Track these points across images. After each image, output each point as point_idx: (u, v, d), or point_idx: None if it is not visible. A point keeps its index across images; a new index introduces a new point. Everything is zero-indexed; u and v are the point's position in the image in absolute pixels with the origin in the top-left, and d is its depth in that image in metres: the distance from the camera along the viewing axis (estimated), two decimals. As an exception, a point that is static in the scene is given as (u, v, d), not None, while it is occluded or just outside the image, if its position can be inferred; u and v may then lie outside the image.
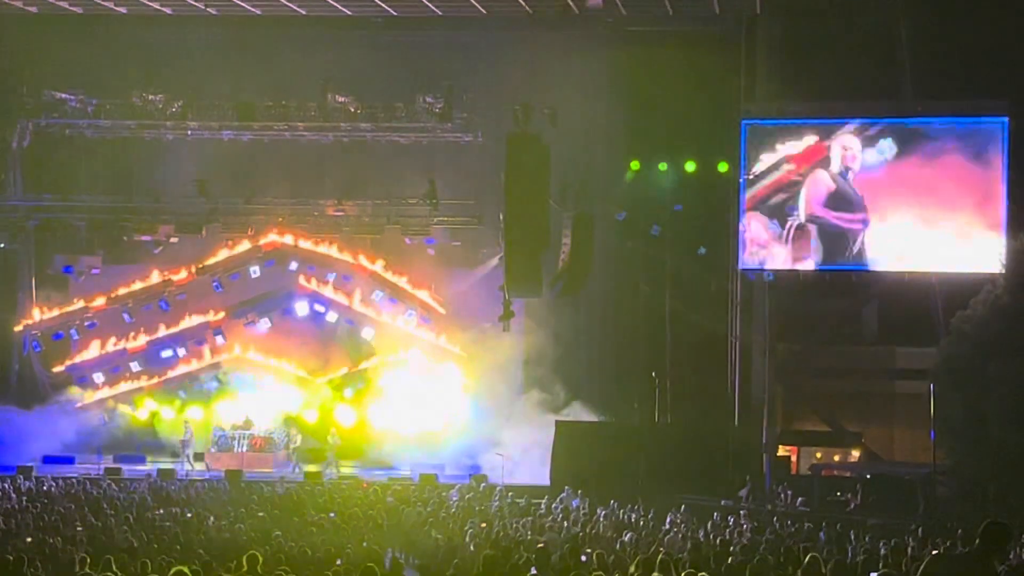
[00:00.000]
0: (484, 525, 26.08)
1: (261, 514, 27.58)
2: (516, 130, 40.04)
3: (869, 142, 38.86)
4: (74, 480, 35.56)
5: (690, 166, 40.99)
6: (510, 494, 34.28)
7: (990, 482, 32.86)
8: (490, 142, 41.92)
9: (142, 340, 44.13)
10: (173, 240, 44.31)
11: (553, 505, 32.10)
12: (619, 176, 42.33)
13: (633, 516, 29.69)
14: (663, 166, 41.36)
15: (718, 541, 24.24)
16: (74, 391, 43.84)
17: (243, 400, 43.32)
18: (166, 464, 41.18)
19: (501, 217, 40.92)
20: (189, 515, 27.13)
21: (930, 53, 38.41)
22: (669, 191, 41.46)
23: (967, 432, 33.41)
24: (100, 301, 44.42)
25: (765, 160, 39.35)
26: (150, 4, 41.48)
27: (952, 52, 37.64)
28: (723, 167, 40.13)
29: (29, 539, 23.04)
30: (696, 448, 38.72)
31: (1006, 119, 37.76)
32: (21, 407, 43.03)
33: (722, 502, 34.63)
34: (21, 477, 36.78)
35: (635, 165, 41.74)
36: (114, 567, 17.60)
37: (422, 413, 42.21)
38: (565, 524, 27.56)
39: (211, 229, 44.23)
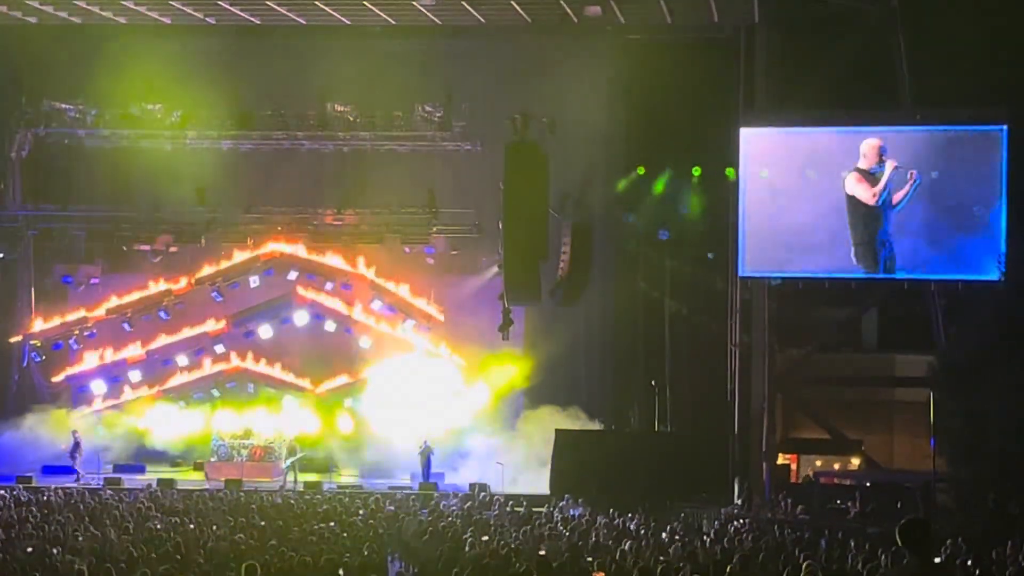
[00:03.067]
0: (485, 538, 26.05)
1: (262, 523, 27.56)
2: (515, 139, 40.05)
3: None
4: (74, 490, 35.53)
5: (696, 171, 41.08)
6: (510, 502, 34.26)
7: (990, 490, 32.82)
8: (489, 151, 41.94)
9: (141, 350, 44.15)
10: (172, 250, 44.33)
11: (553, 514, 32.08)
12: (618, 183, 42.48)
13: (633, 524, 29.67)
14: (667, 174, 41.49)
15: (718, 550, 24.21)
16: (73, 401, 43.92)
17: (242, 410, 43.29)
18: (166, 474, 41.15)
19: (500, 226, 40.92)
20: (190, 525, 27.09)
21: (928, 61, 38.41)
22: (671, 196, 41.61)
23: (967, 440, 33.38)
24: (99, 311, 44.45)
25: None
26: (149, 14, 41.51)
27: (950, 60, 37.63)
28: (730, 174, 40.05)
29: (29, 549, 23.00)
30: (696, 456, 38.74)
31: (1005, 127, 37.75)
32: (20, 417, 42.99)
33: (722, 510, 34.63)
34: (20, 487, 36.77)
35: (640, 171, 41.80)
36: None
37: (421, 421, 42.17)
38: (565, 533, 27.53)
39: (210, 239, 44.26)
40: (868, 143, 38.67)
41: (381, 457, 42.32)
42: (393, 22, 41.83)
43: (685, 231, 41.88)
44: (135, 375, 44.08)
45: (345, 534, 25.80)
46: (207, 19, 41.97)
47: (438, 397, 42.69)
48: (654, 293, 42.73)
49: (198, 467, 42.71)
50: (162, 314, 44.24)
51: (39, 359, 44.38)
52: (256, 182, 44.95)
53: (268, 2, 40.12)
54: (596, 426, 41.41)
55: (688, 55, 41.24)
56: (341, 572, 20.82)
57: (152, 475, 41.00)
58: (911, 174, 38.26)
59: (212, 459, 42.35)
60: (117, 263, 45.39)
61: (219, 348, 44.07)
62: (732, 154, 39.55)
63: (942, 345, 37.70)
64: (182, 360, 44.13)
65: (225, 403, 43.51)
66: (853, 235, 38.65)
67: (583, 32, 41.86)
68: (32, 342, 44.34)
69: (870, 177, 38.64)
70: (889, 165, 38.39)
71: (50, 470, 41.24)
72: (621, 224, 42.70)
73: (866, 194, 38.65)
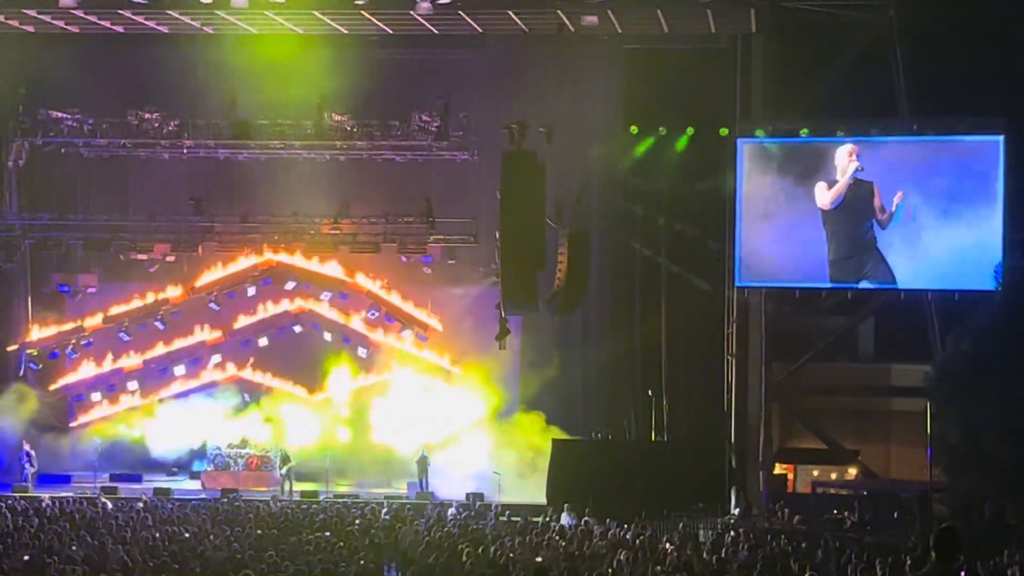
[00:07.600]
0: (481, 550, 26.05)
1: (259, 533, 27.54)
2: (512, 148, 39.97)
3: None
4: (70, 499, 35.49)
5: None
6: (506, 512, 34.24)
7: (987, 499, 32.83)
8: (486, 160, 41.88)
9: (138, 359, 44.12)
10: (169, 259, 44.23)
11: (551, 524, 32.05)
12: (618, 189, 42.60)
13: (629, 534, 29.66)
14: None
15: (714, 560, 24.20)
16: (70, 410, 43.91)
17: (239, 419, 43.26)
18: (162, 483, 41.12)
19: (497, 235, 40.87)
20: (186, 534, 27.07)
21: (926, 71, 38.48)
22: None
23: (963, 450, 33.37)
24: (96, 320, 44.41)
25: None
26: (146, 23, 41.54)
27: (948, 70, 37.69)
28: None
29: (25, 558, 22.98)
30: (692, 466, 38.72)
31: (1002, 137, 37.79)
32: (16, 425, 42.92)
33: (719, 520, 34.62)
34: (16, 496, 36.70)
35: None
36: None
37: (418, 431, 42.15)
38: (561, 543, 27.51)
39: (207, 248, 44.16)
40: (841, 150, 38.78)
41: (378, 466, 42.29)
42: (390, 31, 41.89)
43: (676, 239, 42.13)
44: (132, 384, 44.06)
45: (341, 544, 25.77)
46: (204, 28, 42.01)
47: (435, 406, 42.67)
48: (650, 302, 42.76)
49: (194, 476, 42.68)
50: (159, 323, 44.20)
51: (36, 368, 44.35)
52: (253, 191, 44.90)
53: (265, 12, 40.15)
54: (593, 436, 41.39)
55: (685, 65, 41.33)
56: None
57: (148, 484, 41.00)
58: (898, 195, 38.39)
59: (209, 468, 42.34)
60: (114, 272, 45.27)
61: (216, 357, 44.06)
62: (730, 161, 39.69)
63: (939, 355, 37.67)
64: (179, 369, 44.11)
65: (222, 412, 43.47)
66: (828, 247, 38.95)
67: (580, 42, 41.87)
68: (29, 351, 44.28)
69: (833, 182, 38.81)
70: (852, 166, 38.49)
71: (46, 479, 41.20)
72: (610, 238, 42.88)
73: (824, 199, 38.80)
